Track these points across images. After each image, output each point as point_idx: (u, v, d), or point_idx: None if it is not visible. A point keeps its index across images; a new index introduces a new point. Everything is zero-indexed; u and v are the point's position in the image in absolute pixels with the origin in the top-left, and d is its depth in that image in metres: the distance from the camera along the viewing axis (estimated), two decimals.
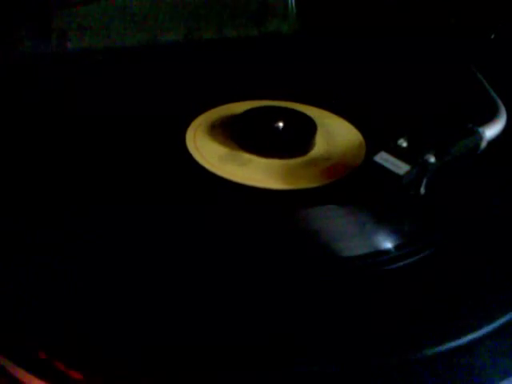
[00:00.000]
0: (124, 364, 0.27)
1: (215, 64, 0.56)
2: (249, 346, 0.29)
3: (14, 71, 0.52)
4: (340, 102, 0.49)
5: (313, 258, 0.35)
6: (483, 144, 0.40)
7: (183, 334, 0.29)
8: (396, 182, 0.37)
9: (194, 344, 0.28)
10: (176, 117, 0.46)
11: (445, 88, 0.51)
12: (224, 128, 0.45)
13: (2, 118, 0.45)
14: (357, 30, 0.61)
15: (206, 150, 0.42)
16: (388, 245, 0.36)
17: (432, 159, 0.37)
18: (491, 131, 0.41)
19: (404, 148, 0.38)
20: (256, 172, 0.40)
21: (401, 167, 0.37)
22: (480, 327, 0.31)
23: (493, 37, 0.57)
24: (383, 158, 0.38)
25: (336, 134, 0.45)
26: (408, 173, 0.37)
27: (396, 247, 0.36)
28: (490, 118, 0.43)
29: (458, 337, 0.30)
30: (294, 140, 0.43)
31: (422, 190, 0.38)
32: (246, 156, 0.42)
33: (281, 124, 0.43)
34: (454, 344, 0.30)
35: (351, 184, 0.39)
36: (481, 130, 0.41)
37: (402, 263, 0.35)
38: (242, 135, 0.43)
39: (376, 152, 0.38)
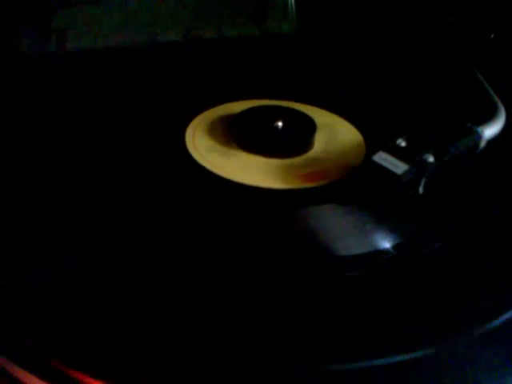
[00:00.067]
0: (124, 364, 0.27)
1: (215, 63, 0.56)
2: (249, 346, 0.29)
3: (14, 71, 0.52)
4: (340, 102, 0.49)
5: (312, 258, 0.35)
6: (482, 144, 0.40)
7: (183, 334, 0.29)
8: (395, 182, 0.37)
9: (193, 344, 0.28)
10: (175, 116, 0.46)
11: (444, 88, 0.51)
12: (223, 127, 0.45)
13: (2, 118, 0.45)
14: (357, 30, 0.61)
15: (205, 149, 0.42)
16: (387, 244, 0.36)
17: (431, 159, 0.37)
18: (490, 131, 0.41)
19: (403, 147, 0.38)
20: (255, 171, 0.40)
21: (399, 167, 0.37)
22: (479, 326, 0.31)
23: (492, 36, 0.57)
24: (382, 158, 0.38)
25: (335, 133, 0.45)
26: (407, 172, 0.37)
27: (395, 247, 0.36)
28: (489, 117, 0.43)
29: (457, 336, 0.30)
30: (293, 139, 0.43)
31: (421, 190, 0.38)
32: (246, 155, 0.42)
33: (280, 123, 0.43)
34: (453, 343, 0.30)
35: (350, 184, 0.39)
36: (480, 129, 0.41)
37: (401, 263, 0.35)
38: (242, 134, 0.43)
39: (375, 151, 0.38)
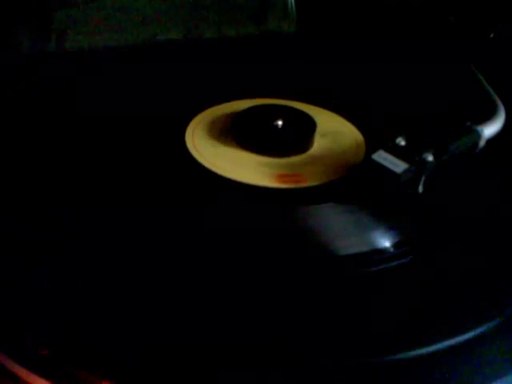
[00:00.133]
0: (124, 364, 0.28)
1: (215, 63, 0.56)
2: (249, 346, 0.29)
3: (14, 71, 0.52)
4: (340, 101, 0.49)
5: (311, 257, 0.35)
6: (482, 143, 0.40)
7: (183, 334, 0.29)
8: (394, 181, 0.37)
9: (193, 344, 0.28)
10: (175, 115, 0.46)
11: (444, 87, 0.51)
12: (223, 126, 0.45)
13: (2, 118, 0.45)
14: (356, 30, 0.61)
15: (205, 148, 0.42)
16: (387, 243, 0.36)
17: (430, 158, 0.37)
18: (490, 130, 0.41)
19: (402, 146, 0.38)
20: (255, 170, 0.40)
21: (399, 165, 0.37)
22: (477, 326, 0.31)
23: (492, 36, 0.57)
24: (381, 157, 0.38)
25: (335, 132, 0.45)
26: (406, 171, 0.37)
27: (395, 245, 0.36)
28: (488, 116, 0.43)
29: (456, 336, 0.30)
30: (293, 138, 0.43)
31: (421, 189, 0.38)
32: (245, 154, 0.42)
33: (280, 122, 0.43)
34: (451, 343, 0.30)
35: (350, 183, 0.39)
36: (479, 128, 0.41)
37: (400, 262, 0.35)
38: (241, 133, 0.43)
39: (375, 150, 0.38)
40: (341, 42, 0.60)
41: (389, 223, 0.37)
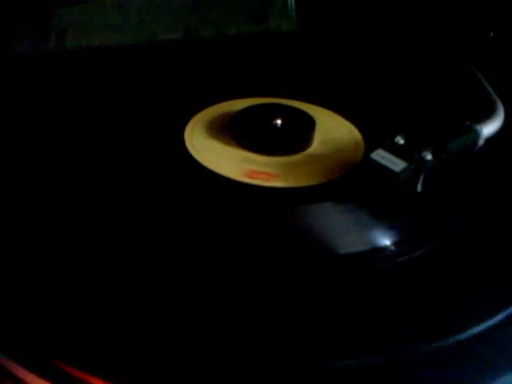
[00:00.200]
0: (124, 364, 0.28)
1: (213, 62, 0.56)
2: (249, 346, 0.29)
3: (13, 71, 0.52)
4: (339, 100, 0.49)
5: (311, 256, 0.35)
6: (481, 141, 0.41)
7: (183, 334, 0.29)
8: (393, 179, 0.37)
9: (194, 344, 0.28)
10: (175, 114, 0.46)
11: (443, 86, 0.51)
12: (222, 125, 0.45)
13: (2, 118, 0.45)
14: (356, 29, 0.61)
15: (204, 147, 0.42)
16: (386, 242, 0.36)
17: (429, 156, 0.37)
18: (489, 129, 0.41)
19: (401, 145, 0.38)
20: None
21: (397, 164, 0.37)
22: (476, 325, 0.31)
23: (492, 35, 0.57)
24: (380, 155, 0.38)
25: (334, 131, 0.45)
26: (405, 170, 0.37)
27: (394, 244, 0.36)
28: (487, 115, 0.43)
29: (455, 334, 0.30)
30: (292, 137, 0.43)
31: (419, 187, 0.38)
32: (244, 153, 0.42)
33: (279, 121, 0.43)
34: (451, 341, 0.30)
35: (349, 182, 0.40)
36: (478, 127, 0.41)
37: (400, 260, 0.35)
38: (240, 132, 0.43)
39: (373, 149, 0.38)
40: (340, 41, 0.60)
41: (388, 222, 0.37)
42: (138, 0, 0.58)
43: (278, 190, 0.39)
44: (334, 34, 0.61)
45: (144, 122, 0.45)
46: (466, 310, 0.32)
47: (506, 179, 0.42)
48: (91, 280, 0.32)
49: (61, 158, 0.41)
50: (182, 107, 0.47)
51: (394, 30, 0.61)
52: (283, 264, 0.34)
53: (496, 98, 0.46)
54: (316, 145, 0.43)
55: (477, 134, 0.40)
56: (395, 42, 0.58)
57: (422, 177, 0.38)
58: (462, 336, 0.30)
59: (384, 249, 0.36)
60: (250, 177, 0.40)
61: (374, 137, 0.42)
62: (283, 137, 0.43)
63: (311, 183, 0.39)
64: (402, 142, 0.39)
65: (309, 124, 0.44)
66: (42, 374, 0.28)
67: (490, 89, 0.47)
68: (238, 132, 0.43)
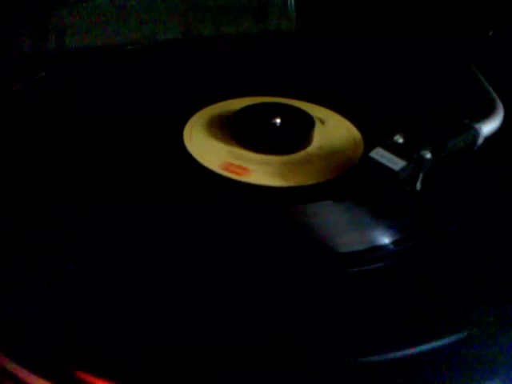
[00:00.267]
0: (124, 364, 0.28)
1: (213, 61, 0.56)
2: (249, 346, 0.29)
3: (13, 70, 0.52)
4: (338, 100, 0.49)
5: (310, 255, 0.35)
6: (480, 140, 0.41)
7: (183, 334, 0.29)
8: (392, 178, 0.37)
9: (194, 344, 0.28)
10: (174, 114, 0.46)
11: (442, 85, 0.51)
12: (221, 125, 0.45)
13: (2, 118, 0.45)
14: (356, 30, 0.61)
15: (204, 146, 0.42)
16: (386, 240, 0.36)
17: (428, 155, 0.37)
18: (488, 127, 0.41)
19: (400, 144, 0.38)
20: (253, 169, 0.40)
21: (397, 163, 0.37)
22: (474, 324, 0.31)
23: (491, 34, 0.57)
24: (379, 154, 0.38)
25: (334, 131, 0.45)
26: (404, 168, 0.37)
27: (394, 243, 0.36)
28: (487, 114, 0.43)
29: (453, 333, 0.30)
30: (292, 136, 0.43)
31: (418, 186, 0.38)
32: (244, 153, 0.42)
33: (279, 120, 0.43)
34: (450, 340, 0.30)
35: (348, 181, 0.40)
36: (477, 126, 0.41)
37: (400, 259, 0.35)
38: (240, 132, 0.43)
39: (373, 148, 0.38)
40: (340, 41, 0.60)
41: (387, 221, 0.37)
42: None
43: (278, 189, 0.39)
44: (333, 34, 0.61)
45: (143, 121, 0.45)
46: (466, 309, 0.32)
47: (506, 179, 0.42)
48: (91, 280, 0.32)
49: (60, 157, 0.41)
50: (182, 106, 0.47)
51: (393, 30, 0.61)
52: (282, 263, 0.34)
53: (495, 96, 0.46)
54: (315, 144, 0.43)
55: (476, 133, 0.40)
56: (395, 42, 0.58)
57: (421, 175, 0.38)
58: (461, 335, 0.30)
59: (383, 247, 0.36)
60: (225, 169, 0.40)
61: (373, 136, 0.42)
62: (282, 136, 0.43)
63: (310, 182, 0.39)
64: (401, 140, 0.39)
65: (309, 123, 0.44)
66: (42, 374, 0.28)
67: (489, 88, 0.47)
68: (237, 131, 0.43)
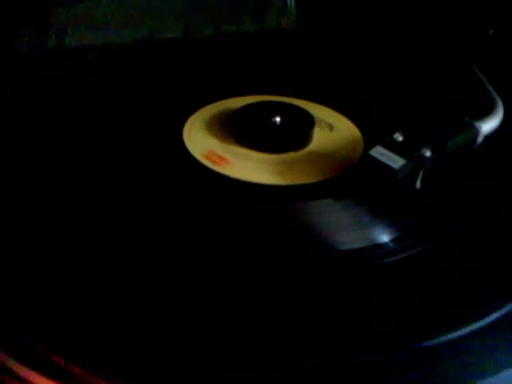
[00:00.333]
0: (124, 364, 0.28)
1: (213, 60, 0.56)
2: (249, 346, 0.29)
3: (13, 69, 0.52)
4: (338, 98, 0.49)
5: (311, 253, 0.35)
6: (480, 138, 0.41)
7: (183, 334, 0.29)
8: (391, 176, 0.37)
9: (194, 344, 0.29)
10: (173, 112, 0.46)
11: (442, 84, 0.51)
12: (221, 123, 0.45)
13: (2, 118, 0.45)
14: (356, 29, 0.61)
15: (203, 145, 0.42)
16: (386, 238, 0.36)
17: (428, 153, 0.37)
18: (488, 126, 0.41)
19: (400, 142, 0.38)
20: (253, 167, 0.40)
21: (396, 161, 0.37)
22: (474, 322, 0.31)
23: (491, 32, 0.57)
24: (379, 152, 0.38)
25: (334, 129, 0.45)
26: (403, 167, 0.37)
27: (393, 241, 0.36)
28: (487, 112, 0.43)
29: (453, 331, 0.30)
30: (292, 134, 0.43)
31: (418, 184, 0.38)
32: (243, 151, 0.42)
33: (279, 119, 0.43)
34: (450, 338, 0.30)
35: (348, 179, 0.40)
36: (477, 124, 0.41)
37: (399, 257, 0.35)
38: (240, 130, 0.43)
39: (372, 146, 0.38)
40: (341, 40, 0.60)
41: (387, 219, 0.37)
42: None
43: (278, 188, 0.39)
44: (333, 33, 0.61)
45: (143, 120, 0.45)
46: (463, 306, 0.32)
47: (506, 178, 0.42)
48: (91, 280, 0.32)
49: (60, 157, 0.41)
50: (181, 105, 0.47)
51: (393, 29, 0.60)
52: (282, 262, 0.34)
53: (495, 95, 0.46)
54: (315, 142, 0.43)
55: (476, 131, 0.40)
56: (395, 41, 0.58)
57: (421, 174, 0.38)
58: (461, 334, 0.30)
59: (383, 246, 0.36)
60: (207, 158, 0.41)
61: (373, 134, 0.42)
62: (283, 135, 0.43)
63: (310, 181, 0.39)
64: (400, 138, 0.39)
65: (309, 121, 0.44)
66: (41, 372, 0.28)
67: (489, 86, 0.47)
68: (237, 129, 0.43)
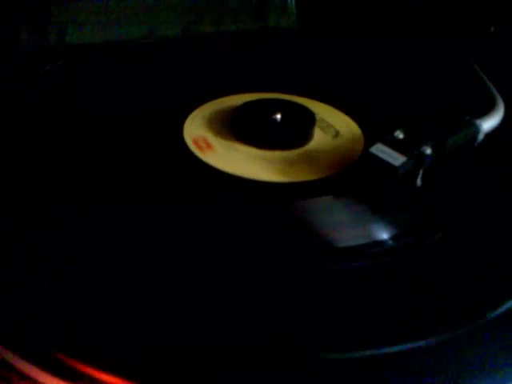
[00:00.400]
0: (124, 364, 0.28)
1: (213, 58, 0.56)
2: (249, 346, 0.29)
3: (13, 67, 0.52)
4: (339, 96, 0.49)
5: (311, 251, 0.35)
6: (480, 136, 0.41)
7: (183, 334, 0.29)
8: (392, 174, 0.37)
9: (194, 344, 0.29)
10: (174, 110, 0.46)
11: (443, 82, 0.51)
12: (222, 120, 0.45)
13: (2, 118, 0.45)
14: (356, 29, 0.61)
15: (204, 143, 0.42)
16: (386, 236, 0.36)
17: (428, 151, 0.37)
18: (488, 124, 0.41)
19: (401, 139, 0.38)
20: (253, 165, 0.40)
21: (397, 158, 0.37)
22: (473, 320, 0.31)
23: (492, 30, 0.57)
24: (380, 150, 0.38)
25: (334, 126, 0.45)
26: (404, 164, 0.37)
27: (393, 239, 0.36)
28: (487, 110, 0.43)
29: (452, 330, 0.30)
30: (293, 131, 0.43)
31: (419, 182, 0.38)
32: (244, 148, 0.42)
33: (279, 116, 0.43)
34: (449, 337, 0.30)
35: (349, 176, 0.40)
36: (478, 122, 0.41)
37: (400, 254, 0.35)
38: (240, 127, 0.43)
39: (373, 144, 0.38)
40: (341, 40, 0.60)
41: (387, 216, 0.37)
42: None
43: (278, 185, 0.39)
44: (333, 32, 0.61)
45: (143, 117, 0.45)
46: (463, 305, 0.32)
47: (507, 177, 0.42)
48: (92, 280, 0.32)
49: (60, 156, 0.41)
50: (182, 102, 0.47)
51: (394, 29, 0.60)
52: (281, 260, 0.34)
53: (496, 93, 0.46)
54: (316, 140, 0.43)
55: (477, 129, 0.40)
56: (395, 40, 0.58)
57: (421, 171, 0.38)
58: (462, 332, 0.30)
59: (383, 243, 0.36)
60: (195, 143, 0.41)
61: (374, 131, 0.42)
62: (284, 132, 0.43)
63: (311, 178, 0.39)
64: (401, 136, 0.39)
65: (309, 118, 0.44)
66: (43, 368, 0.28)
67: (489, 84, 0.47)
68: (237, 126, 0.43)
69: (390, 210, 0.38)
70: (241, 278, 0.33)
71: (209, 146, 0.41)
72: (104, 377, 0.27)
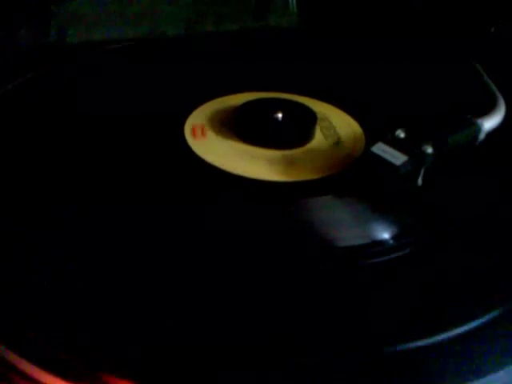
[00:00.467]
0: (124, 364, 0.28)
1: (214, 57, 0.56)
2: (249, 346, 0.29)
3: (13, 67, 0.52)
4: (340, 95, 0.49)
5: (312, 251, 0.35)
6: (481, 136, 0.40)
7: (183, 334, 0.29)
8: (393, 173, 0.37)
9: (194, 344, 0.29)
10: (175, 109, 0.46)
11: (444, 81, 0.51)
12: (223, 120, 0.45)
13: (2, 118, 0.45)
14: (357, 28, 0.61)
15: (205, 142, 0.42)
16: (387, 235, 0.36)
17: (429, 150, 0.37)
18: (490, 123, 0.41)
19: (402, 139, 0.38)
20: (254, 164, 0.40)
21: (398, 158, 0.37)
22: (473, 319, 0.31)
23: (493, 30, 0.57)
24: (381, 149, 0.38)
25: (335, 125, 0.45)
26: (405, 163, 0.37)
27: (394, 238, 0.36)
28: (488, 109, 0.43)
29: (453, 328, 0.30)
30: (294, 131, 0.43)
31: (420, 181, 0.38)
32: (245, 147, 0.42)
33: (280, 115, 0.43)
34: (448, 337, 0.30)
35: (350, 176, 0.39)
36: (479, 121, 0.41)
37: (400, 254, 0.35)
38: (242, 126, 0.43)
39: (374, 143, 0.38)
40: (342, 39, 0.60)
41: (388, 216, 0.37)
42: None
43: (278, 184, 0.39)
44: (334, 32, 0.61)
45: (144, 116, 0.45)
46: (462, 304, 0.32)
47: (507, 177, 0.42)
48: (92, 280, 0.32)
49: (60, 156, 0.41)
50: (183, 101, 0.47)
51: (394, 28, 0.60)
52: (282, 259, 0.34)
53: (497, 92, 0.46)
54: (317, 139, 0.43)
55: (478, 128, 0.40)
56: (396, 40, 0.58)
57: (422, 171, 0.38)
58: (460, 332, 0.30)
59: (384, 243, 0.36)
60: (192, 132, 0.42)
61: (375, 130, 0.42)
62: (285, 131, 0.43)
63: (312, 177, 0.39)
64: (402, 135, 0.39)
65: (311, 117, 0.44)
66: (44, 368, 0.28)
67: (491, 83, 0.47)
68: (239, 126, 0.43)
69: (390, 209, 0.38)
70: (240, 278, 0.33)
71: (209, 145, 0.41)
72: (104, 377, 0.27)
